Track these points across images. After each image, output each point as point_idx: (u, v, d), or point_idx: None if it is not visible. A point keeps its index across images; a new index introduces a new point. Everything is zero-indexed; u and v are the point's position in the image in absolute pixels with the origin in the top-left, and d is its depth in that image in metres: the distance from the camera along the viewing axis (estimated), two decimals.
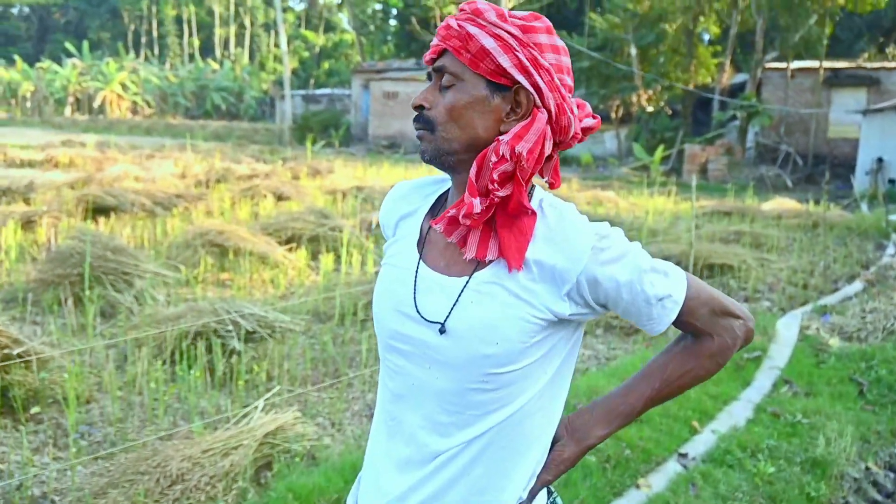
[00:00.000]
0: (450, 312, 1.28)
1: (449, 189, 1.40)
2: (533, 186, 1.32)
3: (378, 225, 10.18)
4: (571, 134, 1.31)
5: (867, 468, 4.23)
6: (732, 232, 11.48)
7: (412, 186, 1.48)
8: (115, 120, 44.88)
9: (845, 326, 6.36)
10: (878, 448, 4.47)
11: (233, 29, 68.64)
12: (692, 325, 1.34)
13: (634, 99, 29.07)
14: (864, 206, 17.49)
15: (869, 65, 26.42)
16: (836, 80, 25.95)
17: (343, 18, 67.02)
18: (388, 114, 33.09)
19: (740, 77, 30.53)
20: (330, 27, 68.74)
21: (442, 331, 1.28)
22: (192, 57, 66.67)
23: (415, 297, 1.32)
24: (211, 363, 4.72)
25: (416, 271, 1.34)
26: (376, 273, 7.83)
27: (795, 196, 19.24)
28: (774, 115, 25.33)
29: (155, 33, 69.61)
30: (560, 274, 1.26)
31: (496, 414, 1.29)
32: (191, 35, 68.76)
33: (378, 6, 54.57)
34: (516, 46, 1.25)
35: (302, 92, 45.69)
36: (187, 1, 67.05)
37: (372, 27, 53.96)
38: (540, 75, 1.26)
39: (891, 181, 20.35)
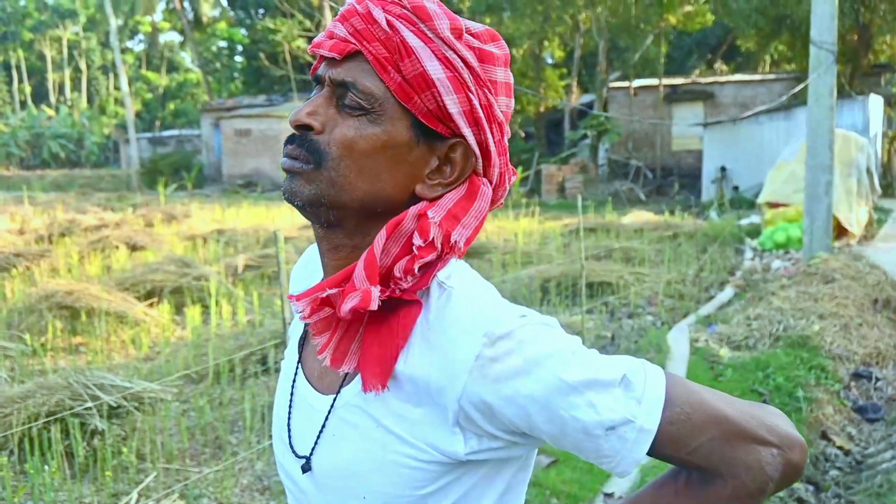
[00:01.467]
0: (314, 445, 0.93)
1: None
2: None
3: (244, 269, 9.59)
4: (499, 199, 0.97)
5: None
6: (602, 248, 11.62)
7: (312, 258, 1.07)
8: None
9: (733, 336, 6.40)
10: None
11: (68, 73, 64.95)
12: (690, 460, 0.87)
13: None
14: (713, 213, 18.34)
15: (702, 80, 28.07)
16: (674, 95, 27.38)
17: (186, 57, 64.96)
18: (241, 152, 32.11)
19: (587, 97, 31.72)
20: (173, 67, 66.39)
21: (305, 468, 0.93)
22: (23, 104, 62.63)
23: (289, 418, 0.98)
24: (69, 448, 4.09)
25: (294, 380, 1.00)
26: (249, 322, 7.28)
27: (649, 208, 19.99)
28: (622, 131, 26.38)
29: None
30: (437, 393, 0.84)
31: None
32: (21, 81, 64.56)
33: (223, 43, 53.23)
34: (471, 84, 0.87)
35: (148, 135, 43.87)
36: (15, 45, 63.04)
37: (218, 65, 52.50)
38: (492, 130, 0.90)
39: (735, 188, 21.52)
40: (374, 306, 0.83)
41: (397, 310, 0.86)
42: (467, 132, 0.88)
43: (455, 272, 0.91)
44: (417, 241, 0.86)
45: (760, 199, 14.25)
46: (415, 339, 0.86)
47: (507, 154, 0.94)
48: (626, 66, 27.11)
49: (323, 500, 0.92)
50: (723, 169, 22.04)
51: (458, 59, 0.86)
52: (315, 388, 0.95)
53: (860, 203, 13.26)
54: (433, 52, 0.85)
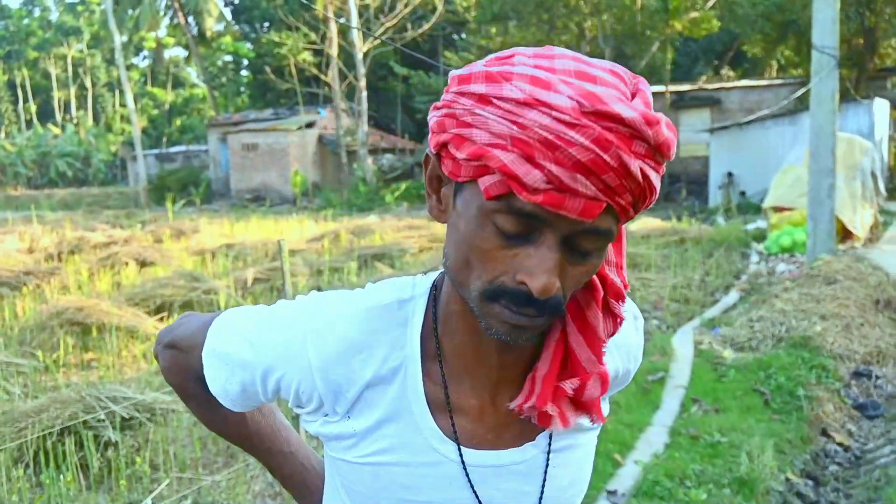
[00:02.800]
0: (541, 496, 0.95)
1: (428, 330, 0.93)
2: None
3: (253, 282, 9.69)
4: None
5: (787, 479, 4.20)
6: None
7: (360, 333, 0.92)
8: None
9: (736, 337, 6.45)
10: (792, 457, 4.47)
11: (73, 91, 65.29)
12: None
13: None
14: (720, 219, 18.37)
15: (709, 86, 28.09)
16: (681, 102, 27.43)
17: (191, 72, 65.32)
18: (248, 167, 32.30)
19: None
20: (179, 82, 66.74)
21: None
22: (29, 123, 63.00)
23: (473, 488, 0.93)
24: (84, 460, 4.17)
25: (462, 461, 0.92)
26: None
27: (657, 214, 20.00)
28: None
29: None
30: (623, 379, 1.00)
31: None
32: (26, 101, 64.91)
33: (228, 57, 53.53)
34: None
35: (155, 151, 44.10)
36: (20, 64, 63.44)
37: (224, 79, 52.78)
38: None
39: (742, 193, 21.54)
40: (594, 374, 0.87)
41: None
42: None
43: None
44: (618, 305, 0.87)
45: (766, 204, 14.29)
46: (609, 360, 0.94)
47: None
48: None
49: None
50: (729, 174, 22.08)
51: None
52: (498, 449, 0.93)
53: (864, 206, 13.28)
54: (653, 167, 0.78)
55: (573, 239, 0.77)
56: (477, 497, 0.92)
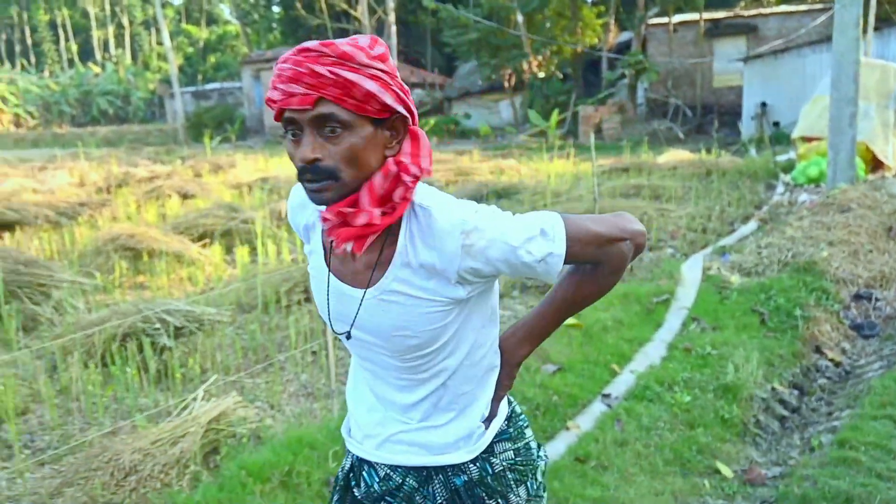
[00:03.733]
0: (353, 322, 1.45)
1: None
2: None
3: (287, 214, 10.18)
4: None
5: (773, 389, 4.61)
6: (632, 187, 11.96)
7: (301, 197, 1.54)
8: None
9: (744, 263, 6.78)
10: (781, 370, 4.87)
11: (111, 30, 65.74)
12: (584, 260, 1.45)
13: (525, 66, 29.55)
14: (752, 151, 18.37)
15: (746, 13, 27.48)
16: (716, 30, 26.94)
17: (225, 10, 65.35)
18: None
19: (625, 35, 31.38)
20: (212, 20, 66.83)
21: (347, 337, 1.48)
22: (71, 62, 63.70)
23: (328, 307, 1.49)
24: (143, 362, 4.73)
25: (328, 284, 1.47)
26: (293, 261, 7.88)
27: (688, 147, 20.04)
28: (661, 69, 26.19)
29: (29, 40, 65.78)
30: (442, 271, 1.36)
31: (444, 367, 1.47)
32: (67, 40, 65.50)
33: None
34: (390, 82, 1.32)
35: (191, 88, 44.52)
36: (59, 4, 63.86)
37: (256, 16, 52.73)
38: (408, 99, 1.36)
39: (775, 124, 21.37)
40: (377, 220, 1.33)
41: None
42: (400, 108, 1.33)
43: (424, 195, 1.39)
44: (408, 177, 1.34)
45: (794, 134, 14.28)
46: (416, 240, 1.36)
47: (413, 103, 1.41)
48: (666, 1, 26.72)
49: (370, 348, 1.48)
50: (763, 105, 21.86)
51: (377, 71, 1.29)
52: (349, 284, 1.43)
53: None
54: (364, 76, 1.27)
55: (319, 126, 1.29)
56: (328, 307, 1.49)
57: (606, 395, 4.27)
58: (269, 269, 7.26)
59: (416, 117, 1.40)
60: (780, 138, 19.55)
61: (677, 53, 27.11)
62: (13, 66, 61.33)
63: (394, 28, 30.47)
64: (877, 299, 6.05)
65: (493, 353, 1.55)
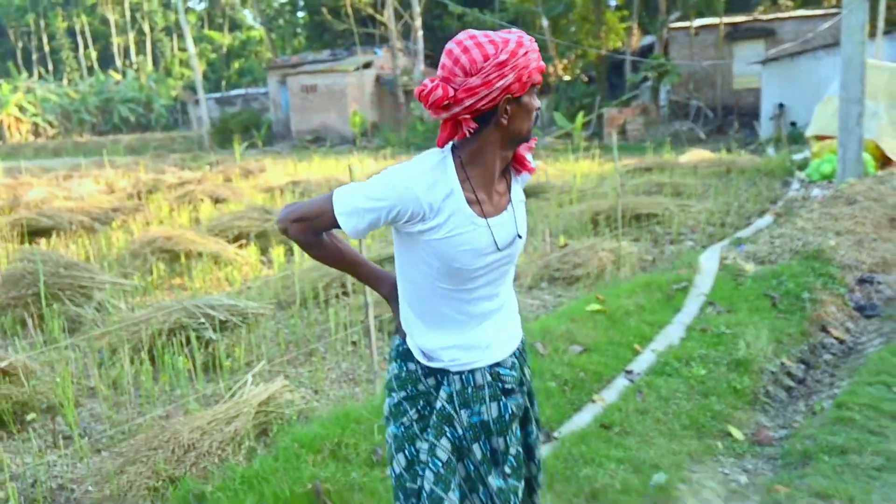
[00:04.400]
0: (516, 229, 1.96)
1: (451, 168, 1.88)
2: None
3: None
4: None
5: (782, 363, 4.89)
6: (654, 184, 12.21)
7: (432, 178, 1.83)
8: (17, 144, 42.67)
9: (758, 253, 7.05)
10: (790, 347, 5.15)
11: (132, 36, 66.05)
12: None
13: (551, 69, 29.84)
14: (770, 150, 18.55)
15: (764, 17, 27.64)
16: (735, 33, 27.12)
17: (248, 15, 65.92)
18: (308, 108, 33.13)
19: (648, 39, 31.61)
20: (235, 25, 67.29)
21: (518, 237, 1.96)
22: (90, 70, 64.05)
23: (494, 239, 1.90)
24: (190, 355, 5.06)
25: (488, 224, 1.88)
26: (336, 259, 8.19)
27: (709, 147, 20.25)
28: (683, 72, 26.41)
29: (47, 48, 65.61)
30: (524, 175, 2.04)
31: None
32: (86, 47, 65.58)
33: None
34: None
35: (216, 95, 45.03)
36: (78, 11, 64.29)
37: (280, 21, 53.24)
38: None
39: (792, 124, 21.54)
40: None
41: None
42: None
43: None
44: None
45: (808, 133, 14.53)
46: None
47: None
48: (687, 5, 26.97)
49: (512, 256, 1.97)
50: (780, 106, 22.06)
51: None
52: (498, 214, 1.91)
53: None
54: None
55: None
56: (494, 239, 1.88)
57: (629, 372, 4.56)
58: (305, 268, 7.60)
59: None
60: (797, 138, 19.71)
61: (698, 56, 27.29)
62: (31, 74, 61.17)
63: (420, 33, 30.84)
64: (879, 283, 6.33)
65: None
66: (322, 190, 13.31)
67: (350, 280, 6.47)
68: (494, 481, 1.93)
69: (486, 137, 1.83)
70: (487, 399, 1.94)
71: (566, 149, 21.08)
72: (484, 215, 1.88)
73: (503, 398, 1.95)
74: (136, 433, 4.06)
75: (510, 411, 1.95)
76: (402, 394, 2.02)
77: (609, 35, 30.05)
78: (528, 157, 1.97)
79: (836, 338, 5.42)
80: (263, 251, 8.78)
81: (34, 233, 9.94)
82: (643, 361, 4.70)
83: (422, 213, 1.81)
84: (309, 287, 6.61)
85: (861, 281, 6.35)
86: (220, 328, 5.36)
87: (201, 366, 4.97)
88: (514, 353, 2.03)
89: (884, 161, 12.13)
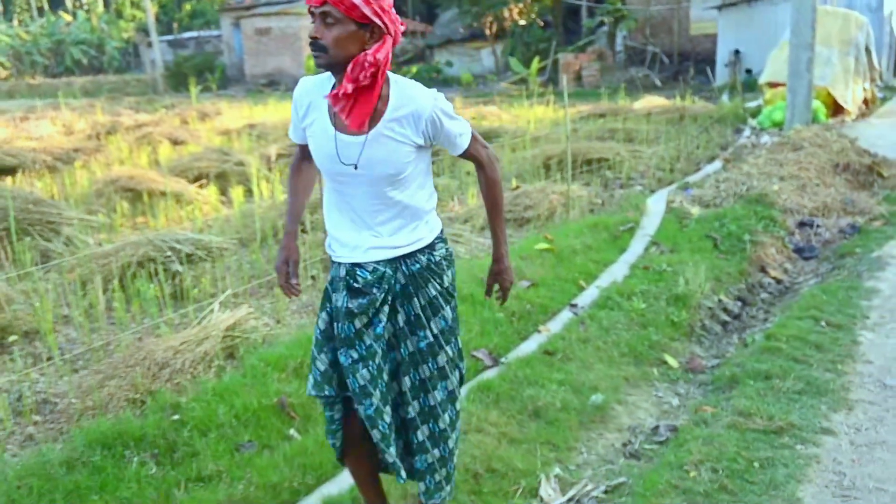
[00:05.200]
0: (358, 157, 2.17)
1: (334, 83, 2.19)
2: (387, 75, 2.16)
3: (277, 157, 10.67)
4: (398, 41, 2.17)
5: (719, 300, 5.24)
6: (607, 130, 12.49)
7: (314, 83, 2.26)
8: None
9: (704, 197, 7.39)
10: (728, 285, 5.50)
11: None
12: (474, 154, 2.35)
13: (506, 14, 29.74)
14: (724, 97, 18.90)
15: None
16: None
17: None
18: (262, 51, 32.66)
19: None
20: None
21: (356, 168, 2.17)
22: (41, 11, 62.31)
23: (337, 151, 2.18)
24: (158, 285, 5.25)
25: (335, 136, 2.17)
26: (285, 200, 8.37)
27: (664, 94, 20.51)
28: (639, 17, 26.54)
29: None
30: (416, 120, 2.17)
31: (402, 194, 2.24)
32: None
33: None
34: (372, 2, 2.04)
35: (168, 37, 44.16)
36: None
37: None
38: (386, 17, 2.08)
39: (748, 71, 21.88)
40: (349, 91, 2.06)
41: (368, 93, 2.09)
42: (376, 20, 2.05)
43: (400, 77, 2.19)
44: (366, 62, 2.05)
45: (762, 80, 14.86)
46: (397, 101, 2.13)
47: (396, 23, 2.11)
48: None
49: (369, 176, 2.17)
50: (736, 52, 22.34)
51: None
52: (349, 134, 2.15)
53: (857, 81, 13.86)
54: None
55: (323, 18, 2.03)
56: (337, 151, 2.17)
57: (574, 305, 4.87)
58: (265, 206, 7.76)
59: (391, 29, 2.10)
60: (752, 85, 20.06)
61: (655, 1, 27.42)
62: None
63: None
64: (818, 226, 6.69)
65: (430, 196, 2.35)
66: (279, 132, 13.38)
67: (308, 218, 6.66)
68: (340, 356, 2.32)
69: None
70: (340, 289, 2.29)
71: (521, 94, 21.23)
72: (335, 126, 2.20)
73: (347, 294, 2.28)
74: (113, 353, 4.27)
75: (347, 306, 2.26)
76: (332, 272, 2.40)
77: None
78: (409, 88, 2.20)
79: (774, 278, 5.79)
80: (223, 191, 8.90)
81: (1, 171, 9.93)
82: (587, 296, 5.01)
83: (300, 110, 2.28)
84: (269, 225, 6.80)
85: (801, 224, 6.72)
86: (186, 261, 5.56)
87: (169, 296, 5.18)
88: (390, 264, 2.29)
89: (836, 109, 12.49)
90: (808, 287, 5.51)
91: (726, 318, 5.06)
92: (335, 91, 2.09)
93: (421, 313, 2.32)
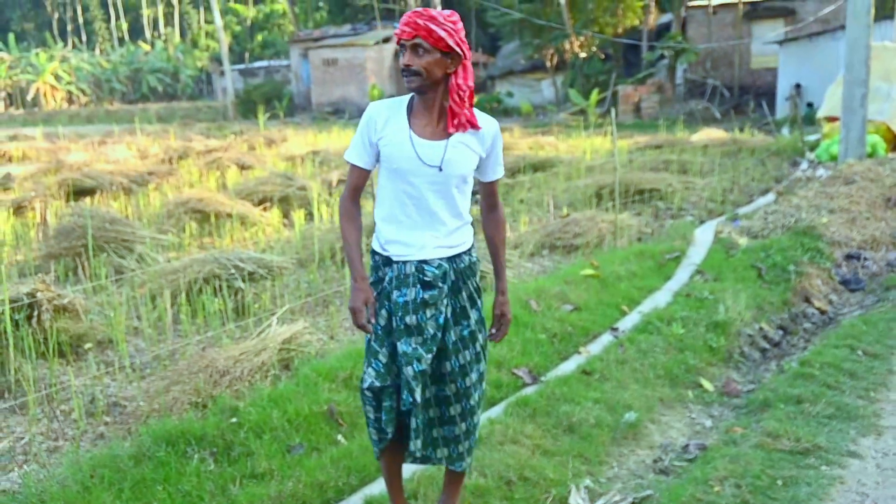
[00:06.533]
0: (442, 159, 2.54)
1: (411, 101, 2.59)
2: None
3: (337, 182, 11.07)
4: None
5: (760, 328, 5.34)
6: (661, 161, 12.59)
7: (388, 103, 2.61)
8: (53, 111, 43.99)
9: (752, 228, 7.48)
10: (770, 314, 5.59)
11: (161, 8, 67.27)
12: (490, 194, 2.76)
13: (567, 46, 30.02)
14: (784, 130, 18.78)
15: None
16: (755, 13, 27.19)
17: None
18: (329, 81, 33.58)
19: (665, 17, 31.66)
20: None
21: (440, 169, 2.52)
22: (121, 41, 65.31)
23: (417, 154, 2.52)
24: (222, 301, 5.60)
25: (414, 141, 2.52)
26: (341, 234, 8.72)
27: (723, 126, 20.47)
28: (700, 51, 26.55)
29: (80, 19, 67.53)
30: (482, 140, 2.60)
31: (460, 195, 2.62)
32: (118, 18, 67.17)
33: None
34: (454, 33, 2.44)
35: (240, 66, 45.61)
36: None
37: None
38: (464, 45, 2.48)
39: (809, 105, 21.70)
40: (469, 115, 2.55)
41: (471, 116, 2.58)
42: (457, 49, 2.44)
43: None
44: (464, 87, 2.51)
45: (820, 114, 14.80)
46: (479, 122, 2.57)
47: (468, 50, 2.51)
48: None
49: (441, 177, 2.52)
50: (797, 86, 22.21)
51: (449, 25, 2.44)
52: (429, 140, 2.52)
53: None
54: (440, 27, 2.43)
55: (414, 49, 2.44)
56: (417, 153, 2.51)
57: (615, 329, 5.04)
58: (323, 230, 8.11)
59: (467, 55, 2.50)
60: (812, 118, 19.88)
61: (716, 35, 27.42)
62: (66, 44, 62.99)
63: (439, 8, 31.04)
64: (866, 259, 6.72)
65: (469, 208, 2.70)
66: (341, 159, 13.85)
67: (364, 242, 6.95)
68: (402, 346, 2.57)
69: None
70: (410, 285, 2.57)
71: (579, 125, 21.41)
72: (411, 131, 2.55)
73: (420, 288, 2.56)
74: (178, 361, 4.61)
75: (422, 298, 2.55)
76: (372, 278, 2.70)
77: (626, 13, 30.15)
78: (480, 116, 2.58)
79: (818, 308, 5.86)
80: (285, 214, 9.31)
81: (78, 192, 10.57)
82: (629, 321, 5.18)
83: (375, 125, 2.57)
84: (326, 247, 7.13)
85: (848, 257, 6.76)
86: (248, 279, 5.90)
87: (231, 310, 5.52)
88: (448, 261, 2.60)
89: (895, 143, 12.37)
90: (850, 318, 5.56)
91: (766, 345, 5.16)
92: (456, 122, 2.52)
93: (466, 305, 2.65)
